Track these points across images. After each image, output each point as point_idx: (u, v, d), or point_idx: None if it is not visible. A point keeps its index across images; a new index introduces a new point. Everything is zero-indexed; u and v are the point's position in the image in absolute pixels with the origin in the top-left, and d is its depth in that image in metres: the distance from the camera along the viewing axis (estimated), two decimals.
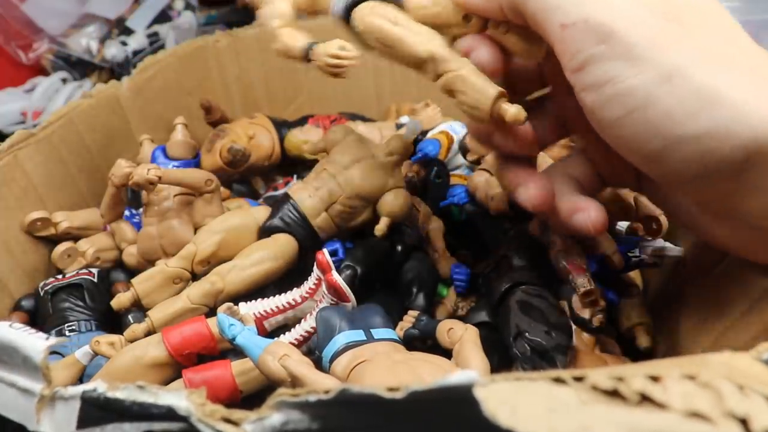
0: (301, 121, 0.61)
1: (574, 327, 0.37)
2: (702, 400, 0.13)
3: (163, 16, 0.89)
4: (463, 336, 0.32)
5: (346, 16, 0.35)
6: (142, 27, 0.87)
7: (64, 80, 0.83)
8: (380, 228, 0.42)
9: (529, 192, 0.33)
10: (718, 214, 0.29)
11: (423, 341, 0.36)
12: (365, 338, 0.32)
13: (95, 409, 0.21)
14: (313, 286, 0.38)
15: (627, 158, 0.29)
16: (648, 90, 0.25)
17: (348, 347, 0.31)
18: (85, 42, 0.84)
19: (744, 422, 0.13)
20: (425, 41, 0.32)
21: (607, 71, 0.26)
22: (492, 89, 0.30)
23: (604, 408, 0.13)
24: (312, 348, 0.36)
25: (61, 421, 0.22)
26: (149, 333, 0.39)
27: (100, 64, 0.84)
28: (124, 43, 0.84)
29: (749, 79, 0.25)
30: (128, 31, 0.87)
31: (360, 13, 0.34)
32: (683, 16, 0.26)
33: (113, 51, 0.82)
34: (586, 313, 0.38)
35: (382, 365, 0.29)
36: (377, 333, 0.32)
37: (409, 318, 0.38)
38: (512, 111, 0.30)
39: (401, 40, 0.32)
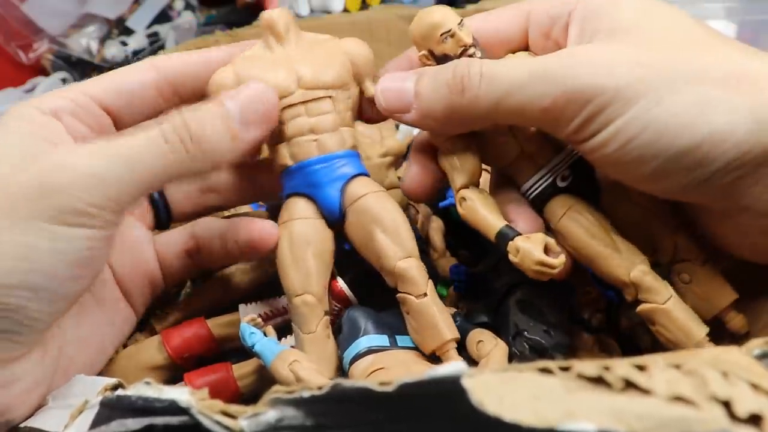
0: None
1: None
2: (686, 385, 0.13)
3: (163, 16, 0.89)
4: (491, 352, 0.31)
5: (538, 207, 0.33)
6: (142, 27, 0.87)
7: (64, 80, 0.83)
8: None
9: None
10: (723, 215, 0.29)
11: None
12: (389, 344, 0.32)
13: (107, 410, 0.22)
14: None
15: (625, 181, 0.29)
16: (642, 116, 0.25)
17: (370, 351, 0.31)
18: (85, 42, 0.84)
19: (727, 406, 0.13)
20: (629, 265, 0.30)
21: (601, 121, 0.26)
22: (699, 331, 0.29)
23: (588, 394, 0.14)
24: None
25: (80, 425, 0.23)
26: None
27: (100, 64, 0.84)
28: (124, 43, 0.84)
29: (724, 73, 0.25)
30: (128, 31, 0.87)
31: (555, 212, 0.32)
32: (651, 35, 0.27)
33: (113, 51, 0.83)
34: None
35: (397, 373, 0.29)
36: (402, 340, 0.32)
37: None
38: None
39: (602, 259, 0.30)
